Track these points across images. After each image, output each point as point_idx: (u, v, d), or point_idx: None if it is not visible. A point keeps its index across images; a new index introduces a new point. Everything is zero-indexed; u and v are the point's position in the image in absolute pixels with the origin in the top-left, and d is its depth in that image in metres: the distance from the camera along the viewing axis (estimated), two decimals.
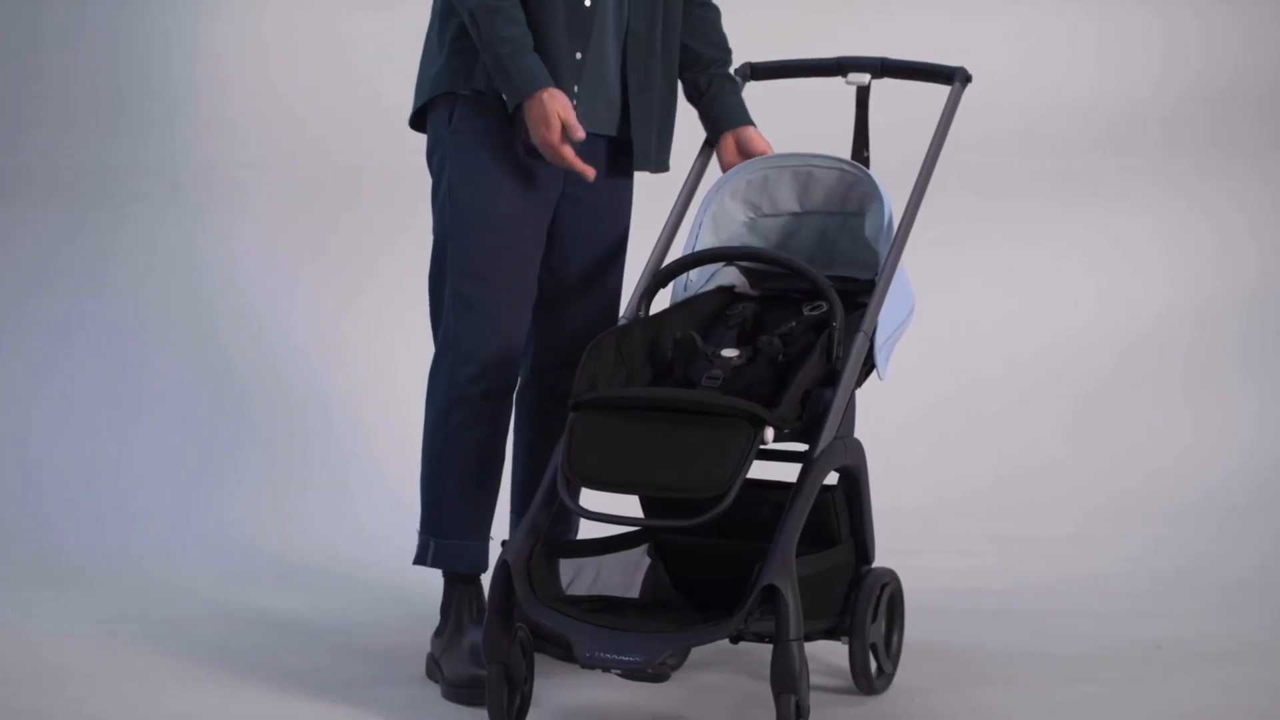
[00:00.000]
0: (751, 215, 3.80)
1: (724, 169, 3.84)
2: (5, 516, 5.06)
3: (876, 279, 3.59)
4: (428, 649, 3.84)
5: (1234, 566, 4.81)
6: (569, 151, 3.57)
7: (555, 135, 3.55)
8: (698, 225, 3.78)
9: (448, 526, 3.76)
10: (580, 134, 3.56)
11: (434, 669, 3.79)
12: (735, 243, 3.80)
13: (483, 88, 3.66)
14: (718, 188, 3.78)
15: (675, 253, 3.78)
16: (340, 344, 5.58)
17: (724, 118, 3.85)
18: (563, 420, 3.60)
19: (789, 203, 3.78)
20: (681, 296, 3.75)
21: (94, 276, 5.60)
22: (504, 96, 3.59)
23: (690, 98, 3.90)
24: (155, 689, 3.79)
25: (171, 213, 5.66)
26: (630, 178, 3.86)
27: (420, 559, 3.79)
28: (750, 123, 3.85)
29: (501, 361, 3.72)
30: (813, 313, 3.64)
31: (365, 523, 4.99)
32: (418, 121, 3.80)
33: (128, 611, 4.33)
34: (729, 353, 3.57)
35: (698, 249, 3.74)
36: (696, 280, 3.78)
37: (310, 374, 5.55)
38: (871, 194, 3.68)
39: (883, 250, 3.61)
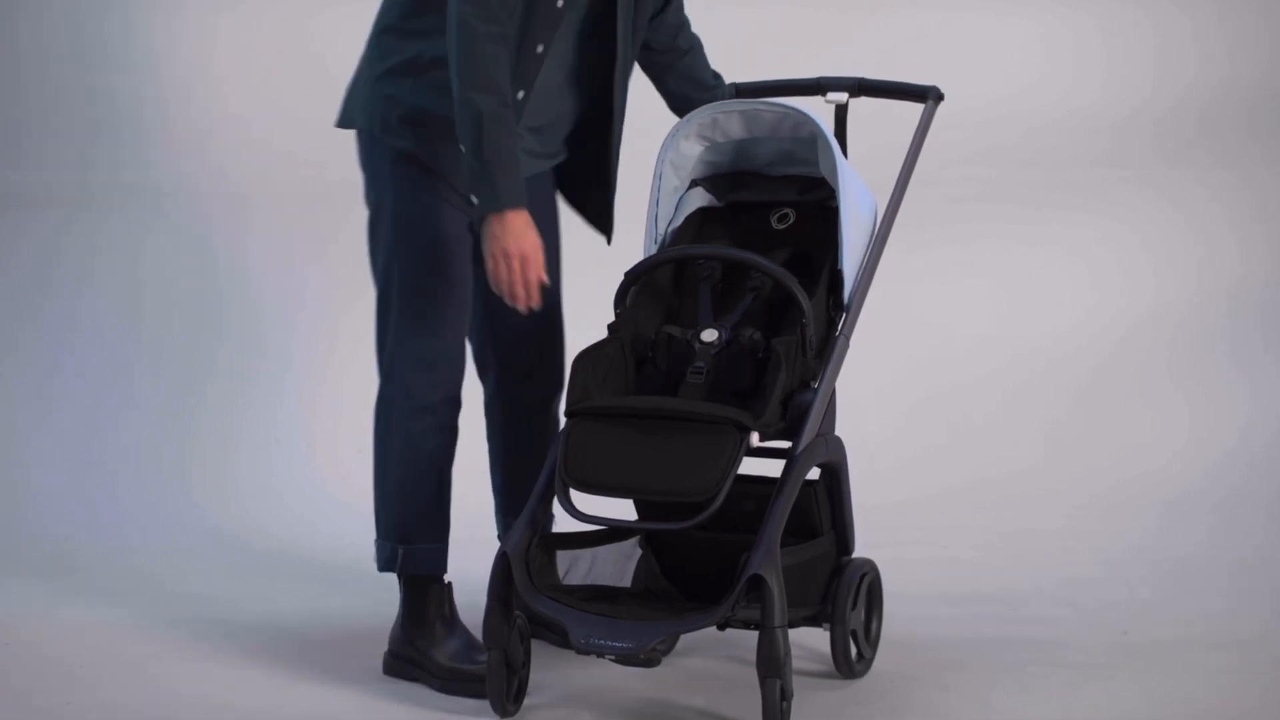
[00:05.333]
0: (706, 144, 3.84)
1: None
2: (3, 513, 5.11)
3: (846, 305, 3.67)
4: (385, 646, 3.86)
5: (1226, 558, 4.81)
6: (536, 273, 3.56)
7: (531, 250, 3.55)
8: (658, 176, 3.82)
9: (417, 532, 3.80)
10: (544, 276, 3.57)
11: (402, 666, 3.81)
12: (696, 167, 3.84)
13: (408, 148, 3.69)
14: (672, 135, 3.81)
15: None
16: (341, 347, 5.55)
17: None
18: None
19: (739, 133, 3.82)
20: (654, 233, 3.81)
21: (93, 282, 5.62)
22: (474, 198, 3.56)
23: None
24: (159, 681, 3.85)
25: (171, 224, 5.68)
26: (555, 195, 3.93)
27: (389, 566, 3.81)
28: None
29: (454, 369, 3.78)
30: (780, 226, 3.77)
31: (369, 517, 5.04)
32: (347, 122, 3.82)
33: (134, 609, 4.37)
34: (708, 335, 3.65)
35: (660, 196, 3.80)
36: (666, 211, 3.82)
37: (316, 375, 5.58)
38: (816, 131, 3.71)
39: (835, 183, 3.66)
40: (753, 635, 3.42)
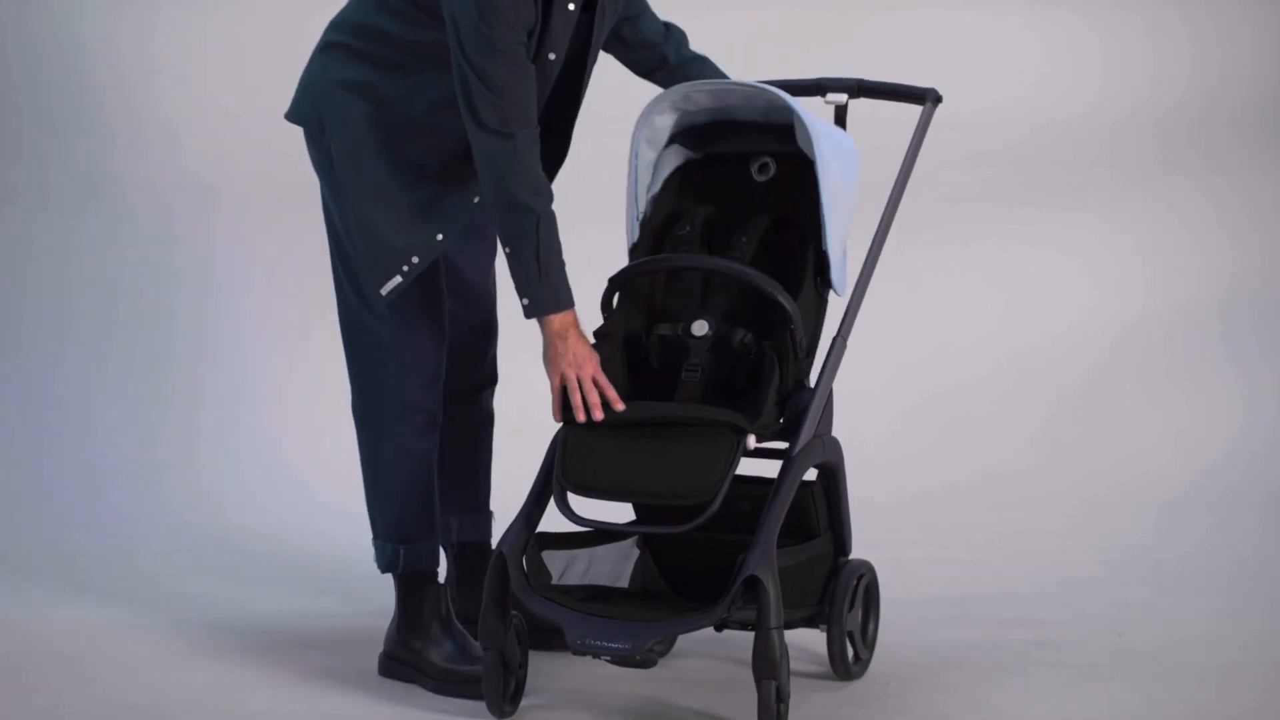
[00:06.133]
0: (679, 115, 3.77)
1: None
2: (6, 514, 5.12)
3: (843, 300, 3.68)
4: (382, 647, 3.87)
5: (1225, 559, 4.83)
6: (607, 389, 3.54)
7: (594, 368, 3.53)
8: (634, 154, 3.76)
9: (416, 532, 3.81)
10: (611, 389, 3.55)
11: (397, 668, 3.82)
12: (671, 133, 3.78)
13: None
14: (645, 114, 3.75)
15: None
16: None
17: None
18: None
19: (711, 105, 3.77)
20: (635, 213, 3.76)
21: (94, 281, 5.62)
22: (526, 299, 3.54)
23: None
24: (159, 681, 3.85)
25: (173, 224, 5.68)
26: None
27: (390, 566, 3.82)
28: None
29: (440, 367, 3.78)
30: (761, 177, 3.73)
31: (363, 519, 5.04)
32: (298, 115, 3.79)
33: (134, 609, 4.38)
34: (699, 329, 3.63)
35: (638, 173, 3.76)
36: (645, 180, 3.78)
37: (317, 375, 5.44)
38: (789, 107, 3.66)
39: (813, 156, 3.61)
40: (749, 636, 3.42)
